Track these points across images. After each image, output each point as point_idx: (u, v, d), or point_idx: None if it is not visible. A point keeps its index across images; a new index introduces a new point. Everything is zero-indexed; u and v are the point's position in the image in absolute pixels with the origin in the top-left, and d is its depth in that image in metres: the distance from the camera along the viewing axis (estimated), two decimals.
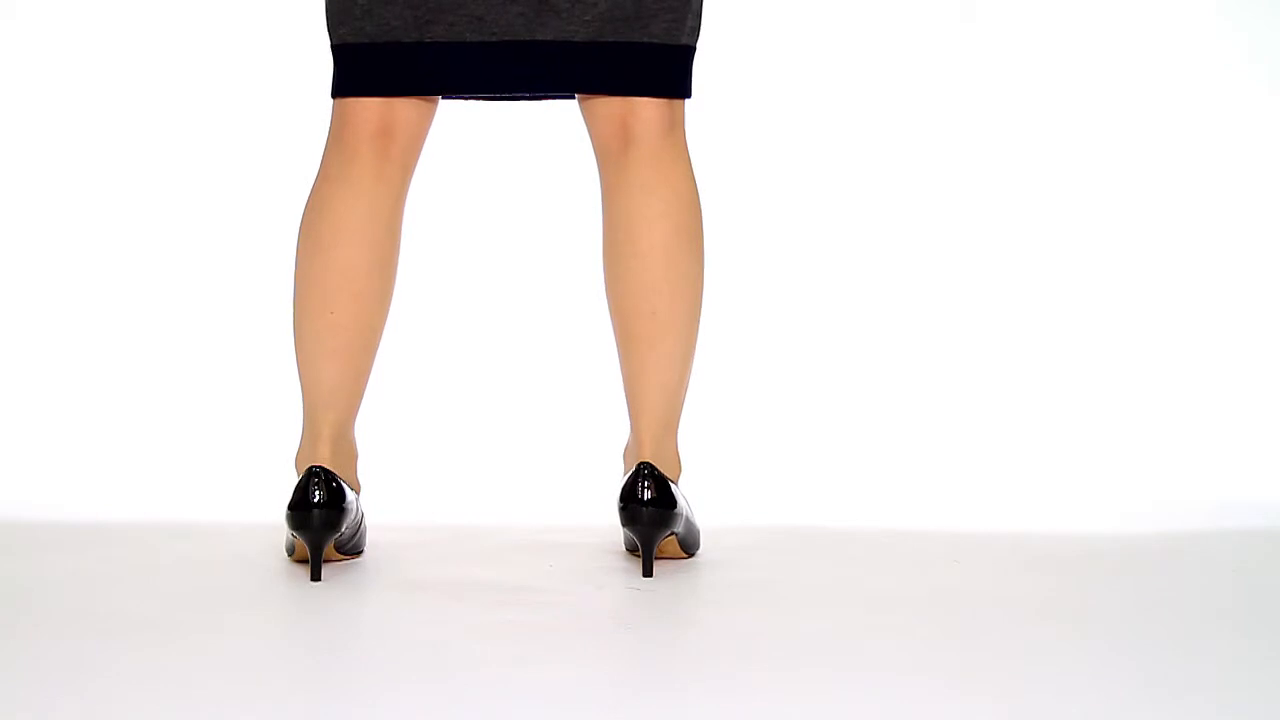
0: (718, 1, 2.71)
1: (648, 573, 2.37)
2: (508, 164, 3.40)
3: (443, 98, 2.44)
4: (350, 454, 2.45)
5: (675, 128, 2.43)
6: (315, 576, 2.31)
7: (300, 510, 2.30)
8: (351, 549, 2.48)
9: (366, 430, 2.54)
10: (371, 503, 2.55)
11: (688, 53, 2.41)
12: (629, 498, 2.37)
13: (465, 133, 3.30)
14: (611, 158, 2.44)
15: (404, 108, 2.39)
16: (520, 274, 3.40)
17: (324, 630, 2.11)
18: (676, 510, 2.38)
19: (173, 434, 3.17)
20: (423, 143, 2.44)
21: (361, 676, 1.89)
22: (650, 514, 2.36)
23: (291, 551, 2.46)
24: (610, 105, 2.42)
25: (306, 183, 2.44)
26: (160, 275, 3.30)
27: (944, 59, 3.39)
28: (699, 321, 2.45)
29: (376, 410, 2.87)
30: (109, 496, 2.93)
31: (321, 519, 2.30)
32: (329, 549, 2.40)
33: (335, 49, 2.38)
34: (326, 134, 2.41)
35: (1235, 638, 2.10)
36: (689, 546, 2.50)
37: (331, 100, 2.40)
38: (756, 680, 1.87)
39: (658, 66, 2.39)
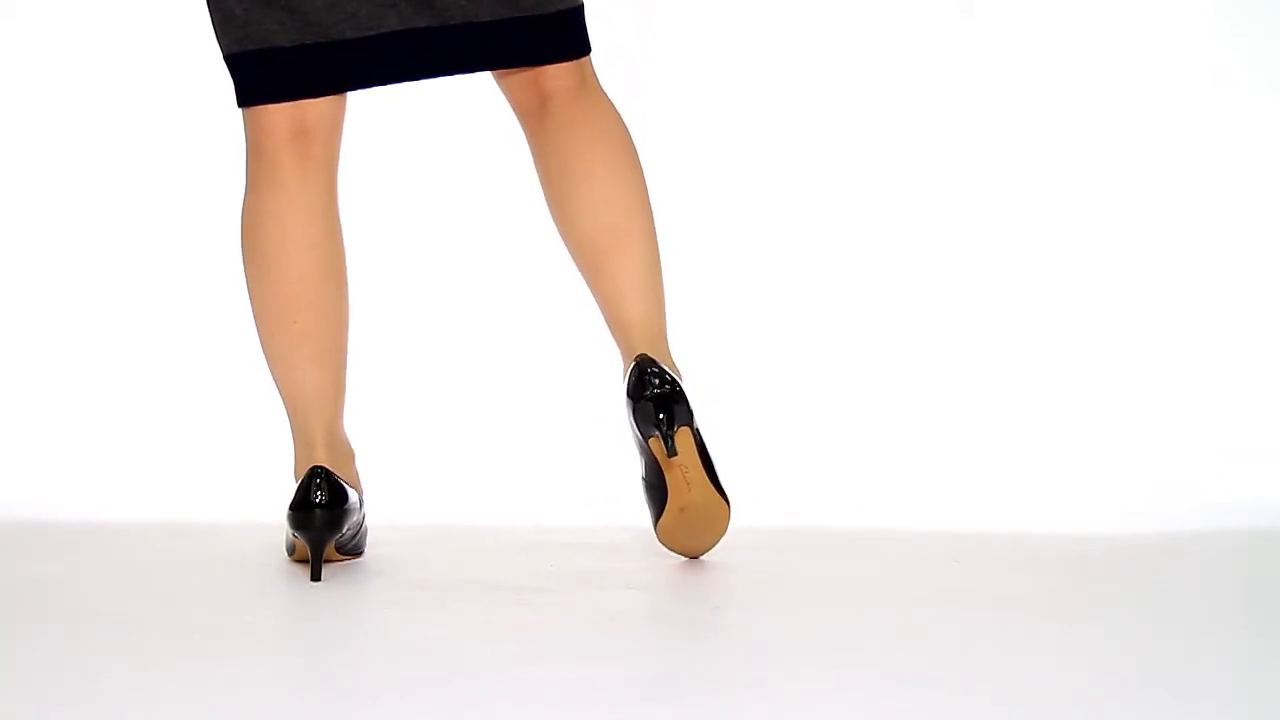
0: None
1: (671, 452, 2.35)
2: (506, 161, 3.39)
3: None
4: (346, 453, 2.45)
5: (587, 79, 2.46)
6: (315, 577, 2.31)
7: (302, 510, 2.30)
8: (352, 549, 2.48)
9: (366, 430, 2.54)
10: (371, 503, 2.55)
11: (571, 15, 2.42)
12: (636, 394, 2.37)
13: (460, 125, 3.30)
14: (533, 115, 2.47)
15: (315, 104, 2.41)
16: (520, 274, 3.40)
17: (324, 630, 2.11)
18: (688, 404, 2.38)
19: (172, 434, 3.17)
20: (340, 134, 2.46)
21: (361, 676, 1.89)
22: (661, 403, 2.36)
23: (292, 551, 2.46)
24: (517, 72, 2.45)
25: None
26: (159, 275, 3.30)
27: (942, 55, 3.39)
28: (656, 236, 2.45)
29: (376, 411, 2.87)
30: (109, 496, 2.93)
31: (324, 519, 2.30)
32: (329, 549, 2.40)
33: (227, 60, 2.40)
34: (245, 146, 2.42)
35: (1235, 638, 2.10)
36: (703, 446, 2.45)
37: (240, 111, 2.42)
38: (756, 680, 1.87)
39: (545, 34, 2.40)
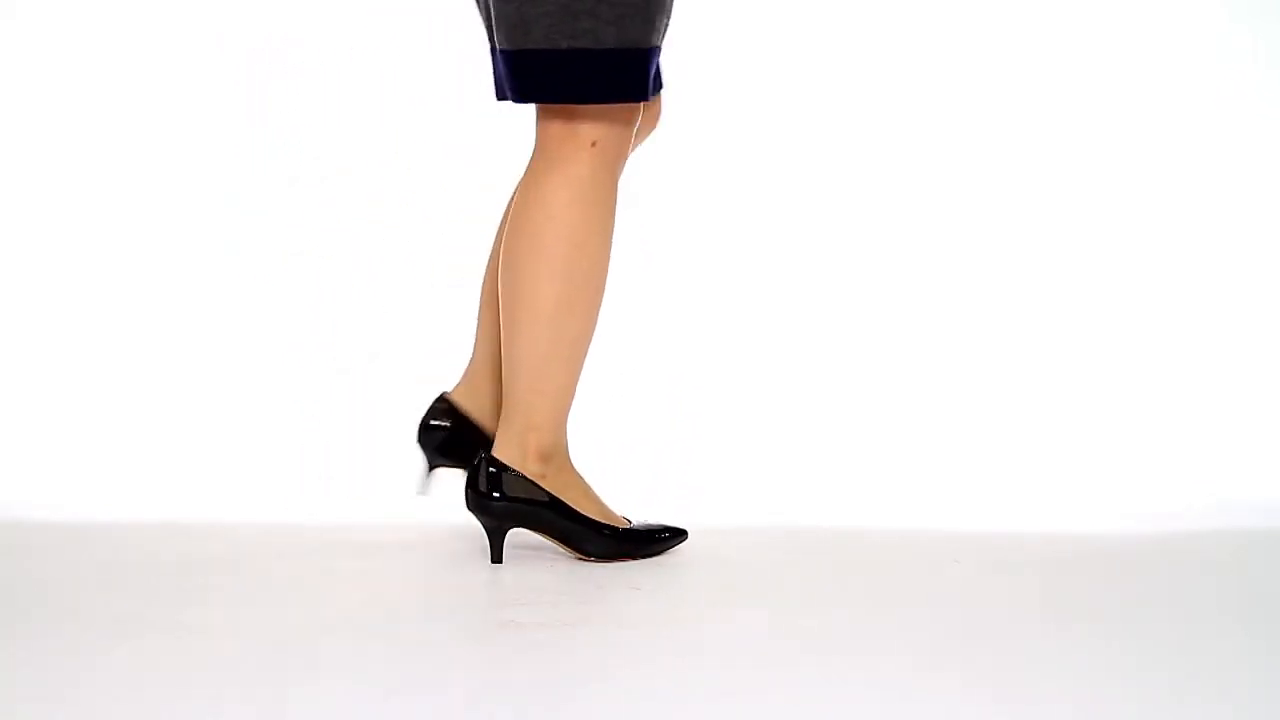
0: None
1: (495, 560, 2.43)
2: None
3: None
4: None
5: (567, 140, 2.38)
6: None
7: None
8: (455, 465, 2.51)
9: (366, 430, 2.54)
10: (371, 502, 2.55)
11: (536, 56, 2.32)
12: (466, 485, 2.43)
13: (472, 123, 3.30)
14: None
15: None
16: None
17: (323, 630, 2.11)
18: (540, 501, 2.41)
19: (172, 434, 3.17)
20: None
21: (361, 676, 1.89)
22: (488, 511, 2.41)
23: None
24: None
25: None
26: (159, 276, 3.30)
27: (941, 54, 3.39)
28: (544, 327, 2.40)
29: (375, 410, 2.87)
30: (109, 496, 2.93)
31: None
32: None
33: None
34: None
35: (1235, 638, 2.10)
36: (573, 541, 2.48)
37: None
38: (756, 680, 1.87)
39: (509, 71, 2.35)
